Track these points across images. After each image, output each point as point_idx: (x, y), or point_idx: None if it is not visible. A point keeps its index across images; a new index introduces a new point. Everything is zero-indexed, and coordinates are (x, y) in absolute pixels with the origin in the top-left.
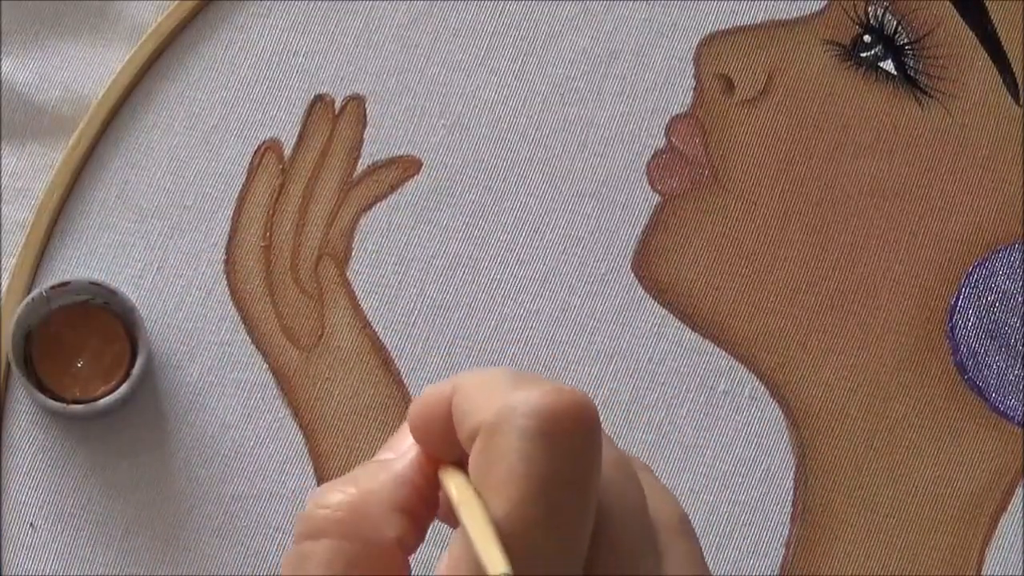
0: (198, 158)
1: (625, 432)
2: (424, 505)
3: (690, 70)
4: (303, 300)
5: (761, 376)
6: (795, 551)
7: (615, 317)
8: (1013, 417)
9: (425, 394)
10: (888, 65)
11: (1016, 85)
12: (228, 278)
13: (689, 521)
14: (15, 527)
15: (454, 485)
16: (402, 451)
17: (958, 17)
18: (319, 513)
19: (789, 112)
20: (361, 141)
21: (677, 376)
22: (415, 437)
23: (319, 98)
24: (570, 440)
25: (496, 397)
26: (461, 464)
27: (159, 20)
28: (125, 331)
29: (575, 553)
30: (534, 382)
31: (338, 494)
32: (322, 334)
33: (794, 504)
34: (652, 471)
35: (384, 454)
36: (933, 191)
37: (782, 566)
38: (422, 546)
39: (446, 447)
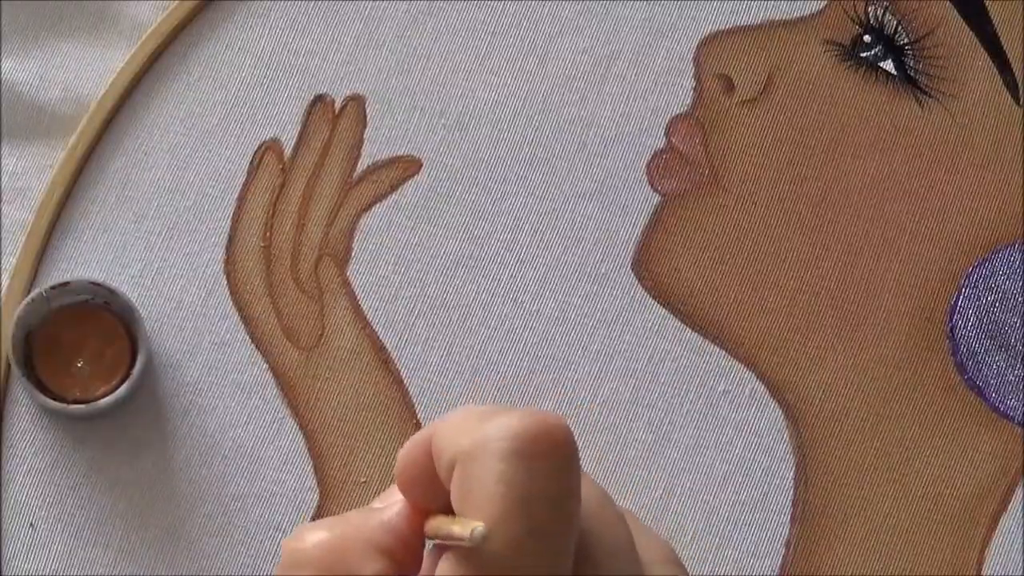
0: (198, 158)
1: (625, 432)
2: (407, 553)
3: (690, 70)
4: (303, 300)
5: (761, 376)
6: (795, 551)
7: (615, 317)
8: (1013, 417)
9: (407, 443)
10: (888, 65)
11: (1016, 85)
12: (228, 278)
13: (678, 557)
14: (15, 527)
15: (432, 518)
16: (389, 500)
17: (958, 17)
18: (303, 547)
19: (789, 112)
20: (361, 141)
21: (677, 376)
22: (400, 488)
23: (319, 98)
24: (547, 460)
25: (472, 428)
26: (447, 513)
27: (159, 20)
28: (125, 331)
29: (558, 572)
30: (508, 411)
31: (323, 531)
32: (322, 334)
33: (794, 504)
34: (635, 515)
35: (374, 504)
36: (933, 191)
37: (782, 566)
38: None
39: (431, 494)
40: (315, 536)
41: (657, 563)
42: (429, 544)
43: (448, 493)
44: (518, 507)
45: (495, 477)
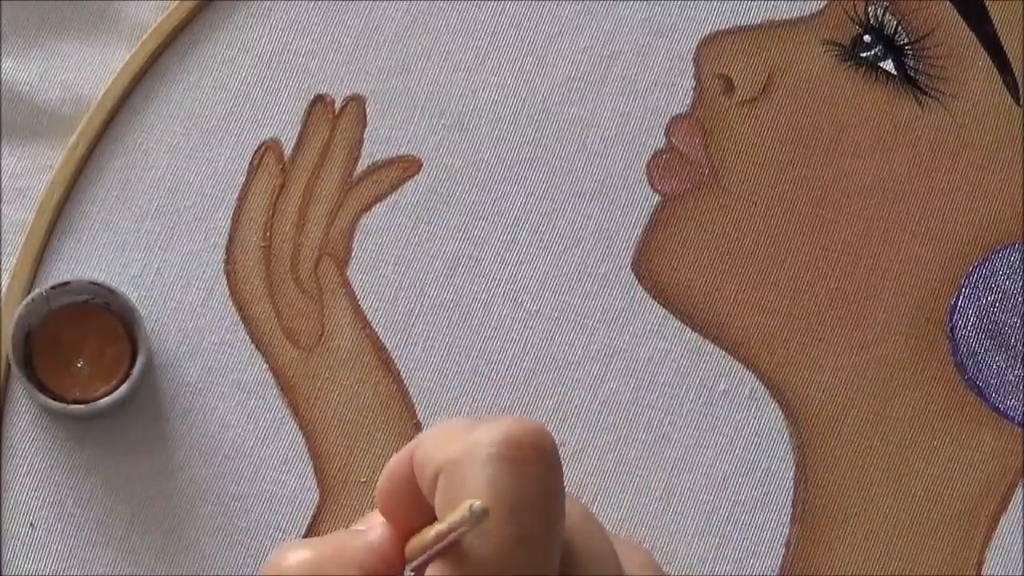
0: (198, 158)
1: (625, 432)
2: (388, 573)
3: (690, 70)
4: (303, 300)
5: (761, 376)
6: (795, 551)
7: (615, 317)
8: (1013, 417)
9: (387, 465)
10: (888, 65)
11: (1016, 85)
12: (228, 278)
13: (656, 563)
14: (15, 527)
15: (414, 538)
16: (373, 524)
17: (958, 17)
18: (285, 564)
19: (789, 112)
20: (361, 141)
21: (677, 376)
22: (382, 510)
23: (319, 98)
24: (534, 465)
25: (456, 438)
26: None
27: (159, 20)
28: (125, 331)
29: (546, 574)
30: (491, 420)
31: (305, 551)
32: (322, 334)
33: (794, 504)
34: (610, 530)
35: (357, 526)
36: (933, 191)
37: (782, 566)
38: None
39: (413, 515)
40: (297, 556)
41: (637, 566)
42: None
43: (430, 513)
44: (507, 511)
45: (483, 481)
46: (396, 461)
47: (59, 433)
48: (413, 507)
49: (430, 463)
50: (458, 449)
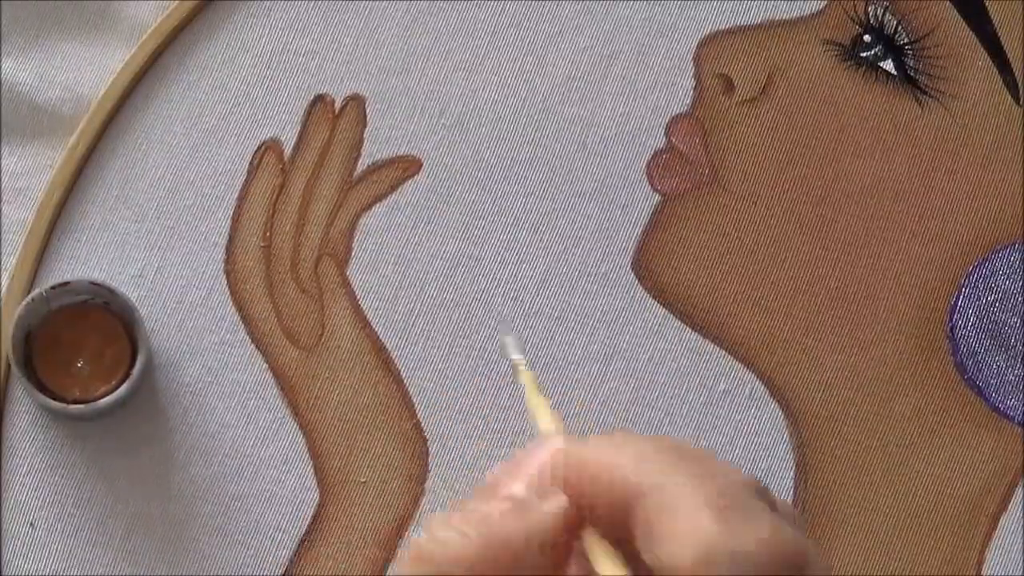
0: (198, 158)
1: None
2: (562, 562)
3: (690, 70)
4: (303, 300)
5: (761, 376)
6: None
7: (615, 317)
8: (1013, 417)
9: (591, 458)
10: (888, 65)
11: (1016, 85)
12: (228, 278)
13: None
14: (15, 527)
15: (600, 544)
16: (543, 492)
17: (958, 17)
18: (444, 554)
19: (789, 112)
20: (361, 141)
21: (677, 376)
22: (567, 491)
23: (319, 98)
24: None
25: (699, 526)
26: (609, 531)
27: (159, 20)
28: (125, 331)
29: None
30: (747, 517)
31: (459, 540)
32: (322, 334)
33: (794, 504)
34: (790, 507)
35: (509, 483)
36: (933, 191)
37: None
38: None
39: (603, 515)
40: (455, 541)
41: None
42: None
43: (611, 503)
44: None
45: None
46: (609, 471)
47: (59, 433)
48: (609, 512)
49: (664, 546)
50: (703, 561)
